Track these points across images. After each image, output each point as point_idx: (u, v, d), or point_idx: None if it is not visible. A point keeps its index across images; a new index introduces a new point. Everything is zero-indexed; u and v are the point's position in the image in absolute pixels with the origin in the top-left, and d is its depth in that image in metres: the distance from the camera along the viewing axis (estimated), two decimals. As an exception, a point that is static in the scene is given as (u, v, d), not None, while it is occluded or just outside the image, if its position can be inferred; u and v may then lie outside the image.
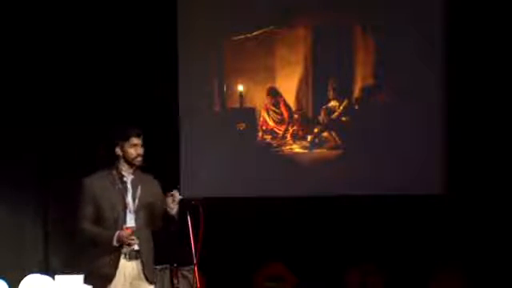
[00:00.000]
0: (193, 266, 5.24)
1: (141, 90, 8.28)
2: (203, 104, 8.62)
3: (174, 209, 5.40)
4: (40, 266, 8.03)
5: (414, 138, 8.39)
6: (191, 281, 5.46)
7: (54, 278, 7.92)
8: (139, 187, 5.56)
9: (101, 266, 5.46)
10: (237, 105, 8.68)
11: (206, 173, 8.40)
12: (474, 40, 8.25)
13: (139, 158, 5.56)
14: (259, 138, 8.67)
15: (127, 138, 5.55)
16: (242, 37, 8.60)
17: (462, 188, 8.21)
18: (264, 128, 8.66)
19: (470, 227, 8.18)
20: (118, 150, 5.56)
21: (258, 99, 8.66)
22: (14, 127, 8.09)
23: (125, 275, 5.49)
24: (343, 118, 8.60)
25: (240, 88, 8.65)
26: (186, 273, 7.19)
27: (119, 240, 5.42)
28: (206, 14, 8.60)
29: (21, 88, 8.15)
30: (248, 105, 8.67)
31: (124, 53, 8.29)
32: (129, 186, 5.56)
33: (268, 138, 8.66)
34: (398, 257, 8.17)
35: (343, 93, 8.59)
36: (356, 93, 8.59)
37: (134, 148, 5.55)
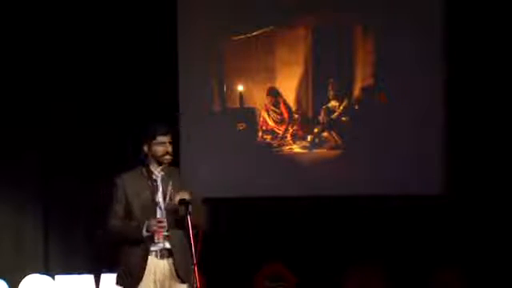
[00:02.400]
0: (193, 266, 5.24)
1: (141, 89, 8.28)
2: (203, 104, 8.62)
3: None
4: (40, 266, 8.04)
5: (413, 138, 8.39)
6: (191, 281, 5.44)
7: (54, 278, 7.96)
8: (170, 184, 5.51)
9: (130, 265, 5.39)
10: (237, 105, 8.67)
11: (206, 173, 8.38)
12: (474, 40, 8.25)
13: (167, 156, 5.50)
14: (259, 138, 8.67)
15: (154, 137, 5.50)
16: (242, 37, 8.59)
17: (462, 188, 8.22)
18: (264, 128, 8.66)
19: (469, 227, 8.18)
20: (146, 148, 5.51)
21: (258, 99, 8.66)
22: (14, 127, 8.10)
23: (156, 274, 5.41)
24: (343, 118, 8.60)
25: (240, 88, 8.65)
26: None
27: (149, 228, 5.32)
28: (206, 13, 8.60)
29: (22, 87, 8.16)
30: (248, 105, 8.67)
31: (124, 53, 8.29)
32: (159, 183, 5.50)
33: (268, 138, 8.66)
34: (398, 257, 8.17)
35: (343, 93, 8.59)
36: (356, 93, 8.59)
37: (162, 146, 5.50)
